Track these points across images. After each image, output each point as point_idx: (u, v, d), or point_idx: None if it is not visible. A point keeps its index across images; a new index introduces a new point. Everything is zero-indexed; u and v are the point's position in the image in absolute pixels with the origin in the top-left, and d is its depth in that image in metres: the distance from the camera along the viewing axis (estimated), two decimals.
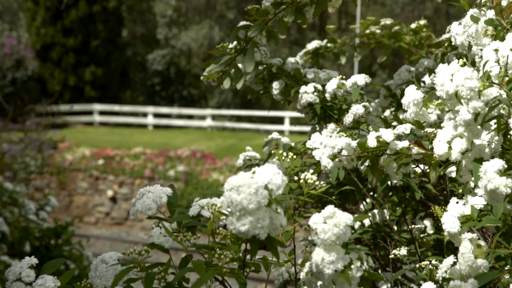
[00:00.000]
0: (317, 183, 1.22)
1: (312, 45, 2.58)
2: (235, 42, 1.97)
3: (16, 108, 10.05)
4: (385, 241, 1.79)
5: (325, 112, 1.99)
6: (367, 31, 2.59)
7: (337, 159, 1.52)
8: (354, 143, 1.50)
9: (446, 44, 2.11)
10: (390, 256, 1.64)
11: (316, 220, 1.06)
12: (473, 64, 1.29)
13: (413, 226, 1.79)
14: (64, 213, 12.94)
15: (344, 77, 1.97)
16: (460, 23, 1.45)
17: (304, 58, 2.57)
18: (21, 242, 5.52)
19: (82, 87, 19.60)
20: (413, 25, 2.57)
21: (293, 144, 1.95)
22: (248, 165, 2.05)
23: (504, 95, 1.15)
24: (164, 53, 22.14)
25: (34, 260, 1.20)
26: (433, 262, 1.30)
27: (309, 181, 1.21)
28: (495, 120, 1.19)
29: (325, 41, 2.60)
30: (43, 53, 19.06)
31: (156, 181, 12.72)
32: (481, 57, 1.31)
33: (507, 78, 1.17)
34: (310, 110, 2.01)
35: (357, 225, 1.80)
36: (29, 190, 10.00)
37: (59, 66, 19.14)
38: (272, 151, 1.85)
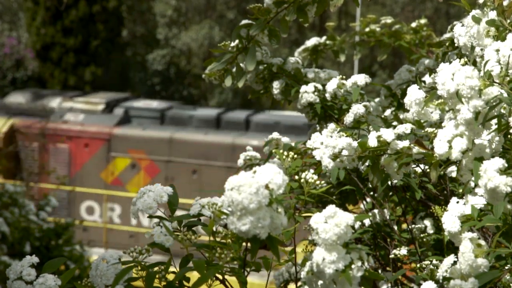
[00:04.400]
0: (318, 182, 1.22)
1: (311, 42, 2.57)
2: (236, 41, 1.97)
3: None
4: (385, 241, 1.80)
5: (326, 112, 1.99)
6: (367, 29, 2.59)
7: (338, 159, 1.52)
8: (355, 143, 1.50)
9: (447, 44, 2.12)
10: (390, 256, 1.64)
11: (317, 219, 1.06)
12: (474, 64, 1.29)
13: (413, 226, 1.79)
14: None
15: (344, 77, 1.97)
16: (462, 24, 1.45)
17: (303, 55, 2.56)
18: (21, 242, 5.53)
19: (82, 87, 19.60)
20: (413, 24, 2.57)
21: (293, 144, 1.95)
22: (249, 165, 2.05)
23: (505, 94, 1.15)
24: (164, 53, 22.13)
25: (35, 259, 1.20)
26: (434, 261, 1.30)
27: (310, 180, 1.21)
28: (495, 120, 1.19)
29: (324, 38, 2.60)
30: (43, 53, 19.05)
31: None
32: (481, 57, 1.31)
33: (508, 78, 1.17)
34: (311, 109, 2.01)
35: (357, 225, 1.80)
36: (29, 190, 10.00)
37: (59, 66, 19.13)
38: (273, 151, 1.85)
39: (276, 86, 2.09)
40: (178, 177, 8.76)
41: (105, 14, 19.64)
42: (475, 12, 1.36)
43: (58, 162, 9.28)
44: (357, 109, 1.75)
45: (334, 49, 2.59)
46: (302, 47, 2.57)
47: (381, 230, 1.78)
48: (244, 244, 1.14)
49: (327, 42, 2.59)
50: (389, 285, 1.81)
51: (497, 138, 1.22)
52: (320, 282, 1.09)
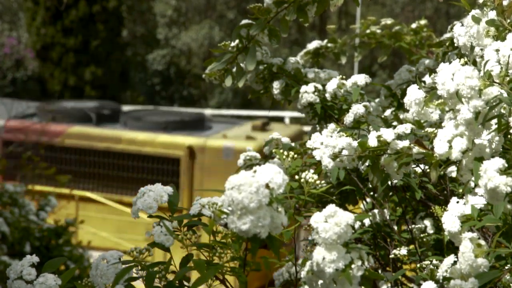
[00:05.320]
0: (318, 182, 1.22)
1: (313, 45, 2.58)
2: (237, 41, 1.97)
3: None
4: (385, 241, 1.80)
5: (326, 112, 1.99)
6: (368, 31, 2.59)
7: (338, 159, 1.52)
8: (355, 143, 1.50)
9: (447, 44, 2.12)
10: (390, 256, 1.64)
11: (317, 219, 1.06)
12: (474, 64, 1.29)
13: (413, 226, 1.79)
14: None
15: (344, 77, 1.98)
16: (462, 24, 1.45)
17: (305, 58, 2.57)
18: (21, 242, 5.52)
19: (82, 87, 19.59)
20: (413, 25, 2.58)
21: (293, 144, 1.96)
22: (249, 165, 2.05)
23: (505, 94, 1.15)
24: (164, 53, 22.13)
25: (35, 259, 1.21)
26: (434, 261, 1.30)
27: (310, 180, 1.21)
28: (495, 120, 1.19)
29: (325, 41, 2.61)
30: (43, 53, 19.04)
31: None
32: (481, 57, 1.31)
33: (508, 78, 1.17)
34: (311, 110, 2.01)
35: (357, 225, 1.80)
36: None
37: (59, 66, 19.12)
38: (273, 151, 1.85)
39: (276, 86, 2.09)
40: None
41: (105, 14, 19.61)
42: (475, 12, 1.36)
43: None
44: (357, 109, 1.75)
45: (335, 51, 2.60)
46: (304, 51, 2.59)
47: (381, 230, 1.78)
48: (244, 243, 1.14)
49: (329, 44, 2.60)
50: (389, 285, 1.81)
51: (497, 138, 1.22)
52: (320, 281, 1.09)
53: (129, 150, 7.91)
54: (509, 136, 1.25)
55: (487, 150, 1.23)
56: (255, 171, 1.03)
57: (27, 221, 5.78)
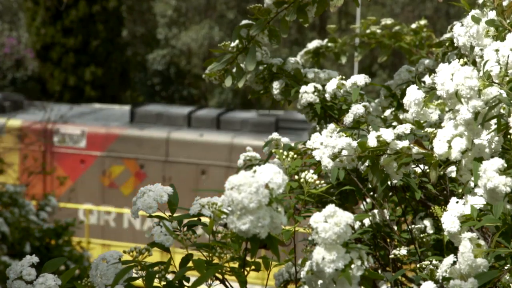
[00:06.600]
0: (317, 182, 1.22)
1: (313, 44, 2.59)
2: (237, 41, 1.98)
3: None
4: (385, 241, 1.80)
5: (325, 112, 1.99)
6: (368, 31, 2.60)
7: (337, 159, 1.52)
8: (354, 143, 1.50)
9: (447, 44, 2.12)
10: (390, 256, 1.64)
11: (317, 219, 1.06)
12: (474, 64, 1.29)
13: (413, 226, 1.79)
14: None
15: (344, 77, 1.98)
16: (462, 24, 1.45)
17: (305, 58, 2.58)
18: (21, 242, 5.53)
19: (82, 87, 19.59)
20: (413, 25, 2.58)
21: (293, 144, 1.96)
22: (249, 165, 2.05)
23: (504, 95, 1.15)
24: (164, 53, 22.13)
25: (35, 259, 1.21)
26: (434, 261, 1.30)
27: (309, 180, 1.21)
28: (495, 120, 1.19)
29: (325, 40, 2.61)
30: (43, 53, 19.04)
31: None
32: (481, 57, 1.31)
33: (507, 78, 1.17)
34: (310, 110, 2.01)
35: (357, 225, 1.80)
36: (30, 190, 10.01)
37: (59, 66, 19.12)
38: (273, 151, 1.85)
39: (276, 86, 2.09)
40: None
41: (105, 14, 19.60)
42: (475, 12, 1.37)
43: None
44: (357, 109, 1.75)
45: (335, 51, 2.60)
46: (304, 50, 2.59)
47: (381, 230, 1.78)
48: (244, 243, 1.14)
49: (329, 44, 2.60)
50: (389, 285, 1.81)
51: (496, 138, 1.22)
52: (320, 281, 1.09)
53: None
54: (508, 136, 1.25)
55: (487, 150, 1.23)
56: (254, 171, 1.03)
57: (27, 221, 5.78)
